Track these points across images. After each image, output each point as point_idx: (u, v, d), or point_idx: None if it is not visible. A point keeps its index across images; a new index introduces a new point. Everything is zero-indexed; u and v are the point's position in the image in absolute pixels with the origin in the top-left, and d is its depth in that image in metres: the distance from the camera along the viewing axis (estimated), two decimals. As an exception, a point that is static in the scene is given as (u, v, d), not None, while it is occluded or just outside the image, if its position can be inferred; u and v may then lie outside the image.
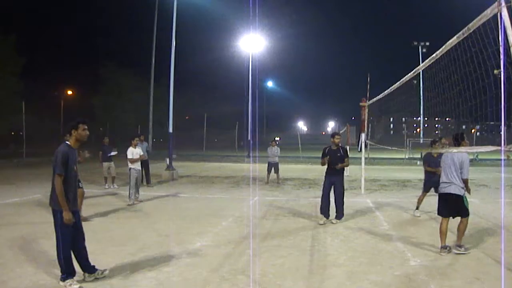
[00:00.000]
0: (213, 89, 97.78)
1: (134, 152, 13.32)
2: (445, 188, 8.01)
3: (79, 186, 10.68)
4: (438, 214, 8.27)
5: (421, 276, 6.47)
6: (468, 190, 8.05)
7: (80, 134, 6.15)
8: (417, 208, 11.73)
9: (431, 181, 11.19)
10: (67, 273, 5.93)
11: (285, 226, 10.18)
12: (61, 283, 5.90)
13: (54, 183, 5.86)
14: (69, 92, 74.17)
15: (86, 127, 6.22)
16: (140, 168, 13.58)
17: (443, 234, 7.96)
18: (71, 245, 6.02)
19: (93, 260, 6.29)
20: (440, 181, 8.21)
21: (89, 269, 6.20)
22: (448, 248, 7.83)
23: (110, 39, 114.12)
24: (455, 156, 8.09)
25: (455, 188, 7.90)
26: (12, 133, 50.73)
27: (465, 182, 7.98)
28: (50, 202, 6.02)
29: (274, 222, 10.66)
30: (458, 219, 7.99)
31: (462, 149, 8.13)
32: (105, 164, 17.00)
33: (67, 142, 6.14)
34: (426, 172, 11.59)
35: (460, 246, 7.81)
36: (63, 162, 5.87)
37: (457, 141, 8.17)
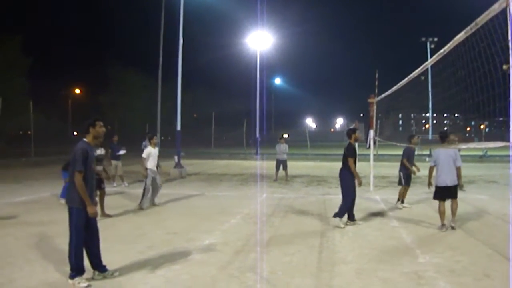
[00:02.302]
0: (221, 86, 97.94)
1: (152, 152, 12.30)
2: (448, 180, 9.33)
3: (102, 187, 10.76)
4: (436, 198, 9.51)
5: (430, 273, 6.44)
6: (460, 178, 9.62)
7: (98, 131, 6.27)
8: (400, 201, 12.32)
9: (409, 173, 12.30)
10: (77, 271, 5.96)
11: (293, 223, 10.17)
12: (70, 281, 5.93)
13: (73, 180, 5.92)
14: (77, 91, 74.54)
15: (102, 124, 6.34)
16: (155, 169, 12.43)
17: (443, 214, 9.35)
18: (84, 243, 6.06)
19: (102, 257, 6.31)
20: (440, 174, 9.43)
21: (99, 268, 6.24)
22: (446, 226, 9.26)
23: (117, 38, 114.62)
24: (451, 150, 9.51)
25: (455, 177, 9.39)
26: (21, 132, 50.94)
27: (459, 169, 9.51)
28: (66, 200, 6.09)
29: (283, 219, 10.66)
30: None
31: (471, 145, 8.32)
32: (113, 162, 17.04)
33: (84, 139, 6.19)
34: (404, 165, 12.38)
35: (454, 223, 9.35)
36: (83, 159, 5.93)
37: (443, 138, 9.86)
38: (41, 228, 9.42)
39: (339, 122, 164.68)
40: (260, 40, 44.78)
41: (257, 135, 45.21)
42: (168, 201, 13.26)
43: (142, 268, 6.61)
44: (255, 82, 45.18)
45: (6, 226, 9.62)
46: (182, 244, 8.12)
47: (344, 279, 6.22)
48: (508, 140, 5.39)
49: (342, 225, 9.64)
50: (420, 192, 15.03)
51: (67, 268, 6.04)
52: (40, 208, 12.01)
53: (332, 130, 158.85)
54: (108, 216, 10.71)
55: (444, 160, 9.42)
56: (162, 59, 32.62)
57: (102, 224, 9.71)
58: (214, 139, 50.40)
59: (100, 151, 10.73)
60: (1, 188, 16.39)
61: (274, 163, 19.94)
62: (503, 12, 5.28)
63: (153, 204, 12.42)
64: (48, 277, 6.25)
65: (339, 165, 10.33)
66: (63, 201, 12.27)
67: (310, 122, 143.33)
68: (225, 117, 73.19)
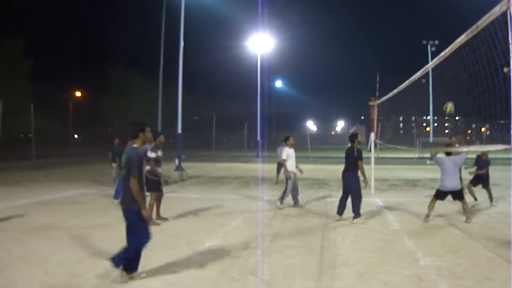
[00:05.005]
0: (222, 89, 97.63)
1: (291, 153, 12.65)
2: (450, 186, 10.33)
3: (161, 189, 10.71)
4: (435, 196, 10.70)
5: (432, 275, 6.44)
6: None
7: (146, 136, 6.54)
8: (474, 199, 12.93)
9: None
10: (119, 267, 6.17)
11: (294, 226, 10.17)
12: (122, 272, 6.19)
13: (128, 185, 6.10)
14: (78, 94, 74.62)
15: (149, 129, 6.61)
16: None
17: (432, 208, 10.67)
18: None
19: (103, 260, 6.31)
20: (443, 180, 10.41)
21: (132, 269, 6.37)
22: (430, 218, 10.58)
23: (118, 41, 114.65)
24: (456, 157, 10.45)
25: (457, 183, 10.44)
26: (22, 135, 50.95)
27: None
28: (122, 204, 6.31)
29: (284, 222, 10.65)
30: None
31: (473, 148, 8.34)
32: (114, 165, 16.99)
33: (134, 145, 6.39)
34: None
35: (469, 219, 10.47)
36: (139, 164, 6.20)
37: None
38: (42, 231, 9.42)
39: (340, 125, 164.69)
40: (261, 43, 44.82)
41: (258, 138, 45.17)
42: (168, 204, 13.23)
43: (143, 271, 6.60)
44: (256, 84, 45.18)
45: (7, 229, 9.61)
46: (183, 247, 8.12)
47: (346, 282, 6.22)
48: (509, 143, 5.39)
49: (364, 220, 10.46)
50: (422, 195, 15.03)
51: (67, 271, 6.05)
52: (41, 211, 12.02)
53: (333, 133, 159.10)
54: (165, 219, 10.71)
55: (449, 167, 10.31)
56: (163, 62, 32.74)
57: (103, 228, 9.74)
58: (215, 141, 50.33)
59: (160, 153, 10.70)
60: (2, 191, 16.40)
61: (275, 166, 19.92)
62: (504, 15, 5.29)
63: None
64: (48, 279, 6.24)
65: (340, 168, 10.40)
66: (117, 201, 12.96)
67: (311, 125, 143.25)
68: (226, 120, 73.12)
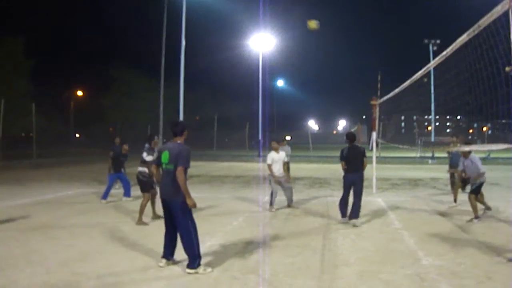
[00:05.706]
0: (224, 89, 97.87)
1: (276, 157, 12.14)
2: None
3: (153, 187, 10.67)
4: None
5: (433, 275, 6.43)
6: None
7: (186, 134, 7.01)
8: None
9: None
10: (199, 258, 6.57)
11: (295, 225, 10.16)
12: (192, 270, 6.45)
13: (172, 177, 6.55)
14: (79, 93, 74.72)
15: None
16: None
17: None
18: (168, 232, 6.87)
19: (104, 260, 6.30)
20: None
21: (169, 256, 6.85)
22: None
23: (119, 40, 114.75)
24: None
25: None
26: (23, 134, 51.02)
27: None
28: (169, 195, 6.65)
29: (285, 221, 10.65)
30: None
31: (474, 147, 8.31)
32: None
33: (179, 141, 6.86)
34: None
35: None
36: (189, 158, 6.67)
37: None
38: (43, 230, 9.43)
39: (342, 124, 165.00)
40: (262, 42, 44.83)
41: (260, 137, 45.18)
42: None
43: (144, 270, 6.60)
44: (258, 84, 45.18)
45: (8, 228, 9.62)
46: (184, 246, 8.10)
47: (347, 281, 6.21)
48: (510, 142, 5.39)
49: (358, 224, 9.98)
50: (423, 195, 15.02)
51: (68, 269, 6.05)
52: (42, 210, 12.02)
53: (334, 132, 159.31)
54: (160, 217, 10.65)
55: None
56: (164, 61, 32.66)
57: (106, 227, 9.74)
58: (216, 141, 50.44)
59: (156, 156, 10.66)
60: (3, 190, 16.42)
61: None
62: (506, 14, 5.28)
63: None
64: (50, 278, 6.24)
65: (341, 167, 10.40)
66: (104, 201, 13.23)
67: (312, 124, 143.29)
68: (228, 119, 73.23)
